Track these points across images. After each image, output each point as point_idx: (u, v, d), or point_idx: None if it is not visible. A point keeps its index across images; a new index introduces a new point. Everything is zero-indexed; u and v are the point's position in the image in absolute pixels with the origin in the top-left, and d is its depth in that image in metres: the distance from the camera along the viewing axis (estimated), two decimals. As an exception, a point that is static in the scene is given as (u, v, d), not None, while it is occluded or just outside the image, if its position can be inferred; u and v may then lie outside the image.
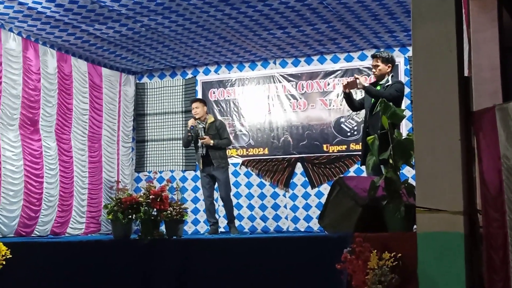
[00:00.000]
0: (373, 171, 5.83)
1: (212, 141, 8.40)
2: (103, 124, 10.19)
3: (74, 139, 9.56)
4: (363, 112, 7.31)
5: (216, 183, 8.60)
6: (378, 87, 6.75)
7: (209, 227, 8.66)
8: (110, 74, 10.43)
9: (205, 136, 8.40)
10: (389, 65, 6.78)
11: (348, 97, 6.93)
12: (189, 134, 8.50)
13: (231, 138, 9.42)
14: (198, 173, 10.48)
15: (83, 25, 8.41)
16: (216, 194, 8.81)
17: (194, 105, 8.66)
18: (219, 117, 10.01)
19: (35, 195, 8.68)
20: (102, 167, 10.13)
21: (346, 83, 6.82)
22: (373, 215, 5.06)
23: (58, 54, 9.23)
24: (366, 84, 6.76)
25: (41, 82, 8.88)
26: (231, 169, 9.59)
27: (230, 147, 9.74)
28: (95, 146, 10.03)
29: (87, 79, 9.85)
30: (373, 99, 6.58)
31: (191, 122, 8.54)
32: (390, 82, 6.70)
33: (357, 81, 6.67)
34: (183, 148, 10.60)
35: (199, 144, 8.45)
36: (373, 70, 6.89)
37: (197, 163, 8.78)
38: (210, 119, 8.66)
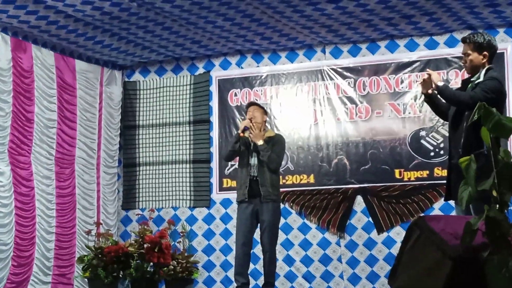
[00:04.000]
0: (469, 208, 5.80)
1: (262, 141, 8.47)
2: (77, 141, 10.30)
3: (36, 163, 9.65)
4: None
5: (259, 225, 8.57)
6: (470, 86, 6.76)
7: None
8: (87, 69, 10.55)
9: (257, 131, 8.48)
10: (485, 53, 6.74)
11: (431, 101, 6.95)
12: (241, 135, 8.52)
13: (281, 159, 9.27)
14: (213, 210, 10.54)
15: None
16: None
17: (251, 108, 8.79)
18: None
19: (-20, 242, 8.78)
20: (75, 203, 10.21)
21: (422, 80, 6.87)
22: (470, 271, 5.02)
23: (14, 40, 9.36)
24: (441, 83, 6.77)
25: (-10, 81, 9.03)
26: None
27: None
28: (66, 173, 10.12)
29: (55, 76, 9.97)
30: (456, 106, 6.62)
31: (246, 122, 8.63)
32: (481, 79, 6.68)
33: (432, 77, 6.71)
34: (192, 176, 10.65)
35: (252, 161, 8.51)
36: (463, 60, 6.90)
37: (237, 189, 8.69)
38: (270, 133, 8.78)
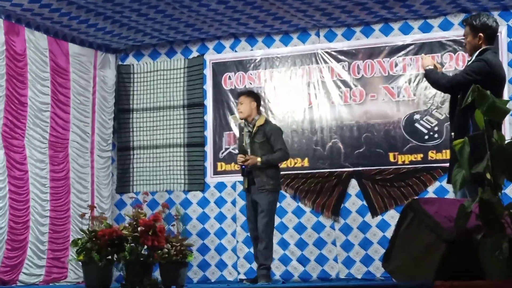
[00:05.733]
0: (463, 191, 5.81)
1: (258, 160, 8.51)
2: (70, 125, 10.28)
3: (30, 147, 9.64)
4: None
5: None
6: None
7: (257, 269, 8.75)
8: (81, 53, 10.51)
9: (249, 156, 8.51)
10: (480, 34, 6.70)
11: None
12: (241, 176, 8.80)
13: (287, 148, 9.14)
14: (207, 194, 10.56)
15: (42, -17, 8.50)
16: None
17: (239, 100, 8.87)
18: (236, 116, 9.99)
19: (-26, 226, 8.77)
20: (69, 187, 10.20)
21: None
22: (463, 254, 5.03)
23: (6, 24, 9.32)
24: (429, 67, 6.79)
25: (-17, 65, 9.00)
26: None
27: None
28: (60, 157, 10.10)
29: (48, 59, 9.94)
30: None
31: (240, 161, 8.65)
32: (472, 60, 6.67)
33: (422, 62, 6.79)
34: (186, 159, 10.68)
35: (249, 150, 8.64)
36: (464, 42, 6.90)
37: (242, 178, 8.93)
38: (260, 120, 8.75)
